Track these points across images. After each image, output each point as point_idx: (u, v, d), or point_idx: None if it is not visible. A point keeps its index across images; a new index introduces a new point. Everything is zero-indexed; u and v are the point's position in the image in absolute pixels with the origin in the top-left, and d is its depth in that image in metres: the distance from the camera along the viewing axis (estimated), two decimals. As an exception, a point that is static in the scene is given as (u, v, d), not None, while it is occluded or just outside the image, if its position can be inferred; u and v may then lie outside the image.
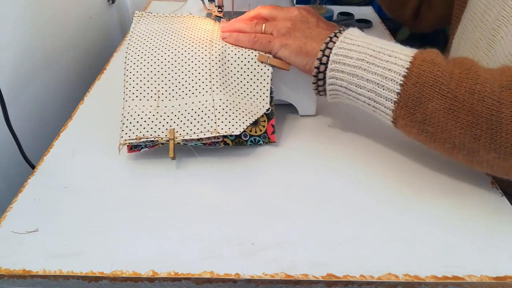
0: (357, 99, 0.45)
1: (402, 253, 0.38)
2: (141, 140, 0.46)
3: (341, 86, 0.45)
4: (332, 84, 0.46)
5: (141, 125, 0.46)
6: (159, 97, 0.49)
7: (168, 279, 0.36)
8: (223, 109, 0.48)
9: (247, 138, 0.49)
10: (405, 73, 0.40)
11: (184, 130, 0.47)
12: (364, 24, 0.81)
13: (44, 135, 0.64)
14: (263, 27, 0.51)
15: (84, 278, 0.36)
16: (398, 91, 0.41)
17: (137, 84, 0.49)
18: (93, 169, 0.46)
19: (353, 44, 0.44)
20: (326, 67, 0.45)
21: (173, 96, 0.49)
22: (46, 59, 0.67)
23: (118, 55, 0.71)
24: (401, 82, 0.40)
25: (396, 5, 0.74)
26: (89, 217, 0.41)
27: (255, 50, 0.51)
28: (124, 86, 0.49)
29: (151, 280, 0.36)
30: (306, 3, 0.88)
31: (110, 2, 0.92)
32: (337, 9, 0.87)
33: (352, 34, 0.46)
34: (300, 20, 0.49)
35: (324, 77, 0.46)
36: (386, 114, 0.43)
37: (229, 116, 0.47)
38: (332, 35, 0.46)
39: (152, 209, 0.42)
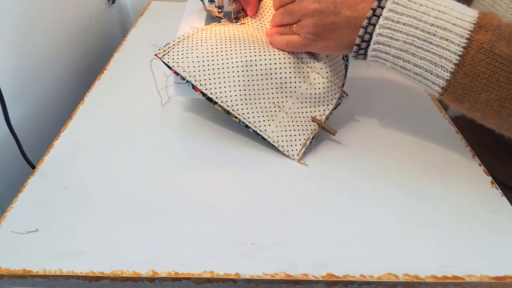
0: (404, 75, 0.42)
1: (402, 253, 0.38)
2: (307, 143, 0.49)
3: (385, 64, 0.42)
4: (374, 61, 0.43)
5: (291, 135, 0.49)
6: (279, 107, 0.49)
7: (168, 279, 0.36)
8: (326, 72, 0.50)
9: None
10: (458, 61, 0.37)
11: (319, 110, 0.50)
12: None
13: (44, 135, 0.64)
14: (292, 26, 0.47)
15: (84, 278, 0.36)
16: (448, 78, 0.38)
17: (256, 112, 0.48)
18: (93, 169, 0.46)
19: (399, 22, 0.39)
20: (368, 44, 0.41)
21: (286, 97, 0.49)
22: (46, 59, 0.67)
23: (118, 55, 0.71)
24: (452, 70, 0.37)
25: None
26: (89, 217, 0.41)
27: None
28: (248, 124, 0.48)
29: (151, 280, 0.36)
30: None
31: (110, 2, 0.92)
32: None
33: (396, 8, 0.39)
34: (322, 18, 0.43)
35: (365, 53, 0.42)
36: (433, 93, 0.41)
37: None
38: (375, 5, 0.40)
39: (152, 209, 0.42)
